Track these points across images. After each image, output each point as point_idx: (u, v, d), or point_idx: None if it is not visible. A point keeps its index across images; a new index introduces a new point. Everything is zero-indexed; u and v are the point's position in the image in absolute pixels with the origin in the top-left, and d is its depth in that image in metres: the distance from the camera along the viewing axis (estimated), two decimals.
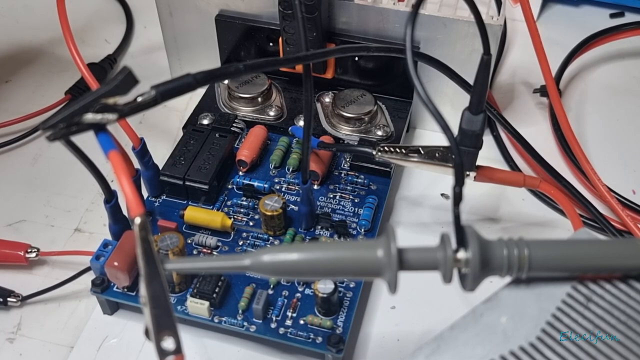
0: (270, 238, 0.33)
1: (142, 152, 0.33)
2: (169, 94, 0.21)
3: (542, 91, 0.41)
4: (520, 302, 0.22)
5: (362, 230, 0.33)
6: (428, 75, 0.37)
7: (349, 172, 0.36)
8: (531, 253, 0.21)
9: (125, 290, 0.30)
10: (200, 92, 0.40)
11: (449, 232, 0.22)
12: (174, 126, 0.41)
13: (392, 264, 0.21)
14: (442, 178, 0.35)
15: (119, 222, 0.31)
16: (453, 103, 0.38)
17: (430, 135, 0.41)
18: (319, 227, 0.33)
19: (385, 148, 0.32)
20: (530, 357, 0.20)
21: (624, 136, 0.41)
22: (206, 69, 0.22)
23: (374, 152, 0.32)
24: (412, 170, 0.38)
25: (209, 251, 0.32)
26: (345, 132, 0.37)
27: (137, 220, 0.19)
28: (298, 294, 0.30)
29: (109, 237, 0.32)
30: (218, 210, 0.34)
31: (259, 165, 0.36)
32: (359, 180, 0.35)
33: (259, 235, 0.33)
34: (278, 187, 0.35)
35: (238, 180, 0.35)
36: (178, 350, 0.19)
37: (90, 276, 0.31)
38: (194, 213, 0.33)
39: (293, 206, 0.34)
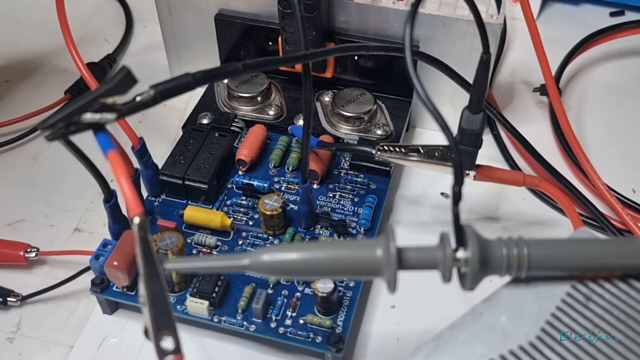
0: (270, 237, 0.33)
1: (142, 151, 0.32)
2: (168, 93, 0.21)
3: (542, 90, 0.41)
4: (520, 302, 0.22)
5: (362, 229, 0.33)
6: (428, 74, 0.37)
7: (349, 172, 0.36)
8: (530, 252, 0.21)
9: (125, 289, 0.30)
10: (200, 91, 0.40)
11: (448, 232, 0.22)
12: (174, 125, 0.41)
13: (392, 263, 0.21)
14: (442, 177, 0.35)
15: (118, 222, 0.31)
16: (453, 102, 0.38)
17: (430, 134, 0.41)
18: (319, 226, 0.33)
19: (385, 147, 0.32)
20: (529, 357, 0.20)
21: (624, 135, 0.41)
22: (205, 68, 0.22)
23: (374, 151, 0.32)
24: (412, 169, 0.38)
25: (209, 251, 0.32)
26: (345, 131, 0.37)
27: (136, 219, 0.19)
28: (298, 294, 0.30)
29: (109, 237, 0.32)
30: (217, 209, 0.34)
31: (259, 164, 0.36)
32: (359, 179, 0.35)
33: (259, 234, 0.33)
34: (277, 187, 0.35)
35: (237, 179, 0.35)
36: (177, 350, 0.19)
37: (89, 276, 0.31)
38: (194, 212, 0.33)
39: (293, 205, 0.34)
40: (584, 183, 0.37)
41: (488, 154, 0.39)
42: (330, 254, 0.21)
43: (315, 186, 0.35)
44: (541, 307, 0.22)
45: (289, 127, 0.37)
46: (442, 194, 0.37)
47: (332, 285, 0.29)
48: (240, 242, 0.32)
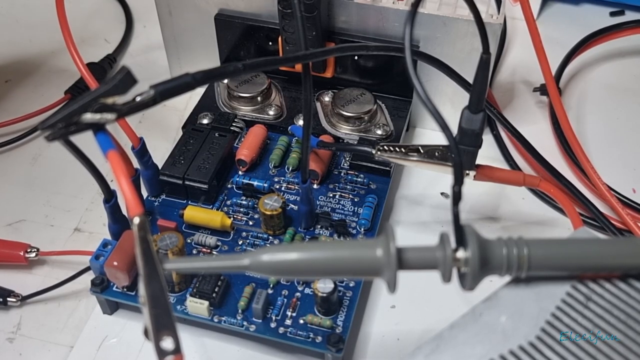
0: (270, 237, 0.33)
1: (142, 151, 0.32)
2: (167, 93, 0.21)
3: (542, 90, 0.41)
4: (520, 302, 0.22)
5: (362, 229, 0.33)
6: (428, 74, 0.37)
7: (349, 171, 0.36)
8: (531, 252, 0.21)
9: (125, 290, 0.30)
10: (200, 91, 0.40)
11: (448, 232, 0.22)
12: (174, 125, 0.41)
13: (391, 263, 0.21)
14: (442, 177, 0.35)
15: (118, 222, 0.31)
16: (453, 102, 0.38)
17: (430, 134, 0.41)
18: (319, 226, 0.33)
19: (385, 147, 0.32)
20: (529, 357, 0.20)
21: (624, 135, 0.41)
22: (205, 69, 0.22)
23: (374, 151, 0.32)
24: (412, 169, 0.38)
25: (209, 251, 0.32)
26: (345, 131, 0.37)
27: (136, 220, 0.19)
28: (298, 294, 0.30)
29: (109, 237, 0.32)
30: (218, 209, 0.34)
31: (259, 164, 0.36)
32: (359, 179, 0.35)
33: (259, 234, 0.33)
34: (278, 187, 0.35)
35: (237, 179, 0.35)
36: (177, 350, 0.19)
37: (89, 276, 0.31)
38: (194, 212, 0.33)
39: (293, 205, 0.34)
40: (584, 183, 0.37)
41: (488, 153, 0.39)
42: (330, 254, 0.21)
43: (315, 186, 0.35)
44: (541, 307, 0.22)
45: (289, 127, 0.37)
46: (442, 193, 0.37)
47: (332, 285, 0.29)
48: (240, 242, 0.32)
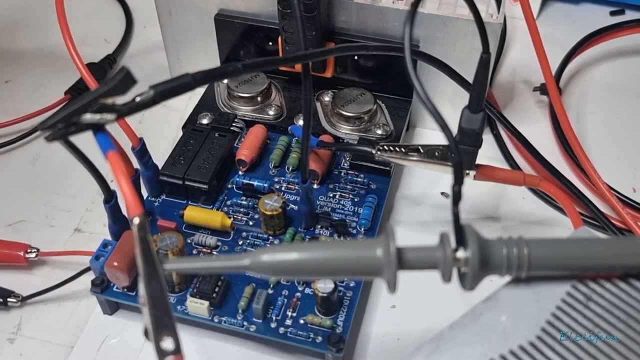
0: (270, 237, 0.33)
1: (142, 152, 0.32)
2: (167, 93, 0.21)
3: (542, 89, 0.41)
4: (520, 301, 0.22)
5: (362, 229, 0.33)
6: (428, 73, 0.37)
7: (349, 171, 0.36)
8: (531, 252, 0.21)
9: (125, 290, 0.30)
10: (200, 91, 0.40)
11: (448, 231, 0.22)
12: (174, 126, 0.41)
13: (391, 263, 0.21)
14: (442, 177, 0.35)
15: (118, 222, 0.31)
16: (453, 102, 0.38)
17: (430, 134, 0.41)
18: (319, 226, 0.33)
19: (385, 147, 0.32)
20: (530, 357, 0.20)
21: (624, 134, 0.41)
22: (205, 69, 0.22)
23: (374, 151, 0.32)
24: (412, 169, 0.38)
25: (209, 251, 0.32)
26: (345, 131, 0.37)
27: (136, 220, 0.19)
28: (298, 294, 0.30)
29: (109, 237, 0.32)
30: (218, 209, 0.34)
31: (259, 164, 0.36)
32: (359, 179, 0.35)
33: (259, 234, 0.33)
34: (278, 187, 0.35)
35: (238, 179, 0.35)
36: (177, 351, 0.19)
37: (90, 276, 0.31)
38: (194, 213, 0.33)
39: (293, 205, 0.34)
40: (584, 182, 0.37)
41: (488, 153, 0.39)
42: (330, 254, 0.21)
43: (315, 186, 0.35)
44: (541, 306, 0.22)
45: (289, 127, 0.37)
46: (442, 193, 0.37)
47: (332, 285, 0.29)
48: (240, 242, 0.32)
